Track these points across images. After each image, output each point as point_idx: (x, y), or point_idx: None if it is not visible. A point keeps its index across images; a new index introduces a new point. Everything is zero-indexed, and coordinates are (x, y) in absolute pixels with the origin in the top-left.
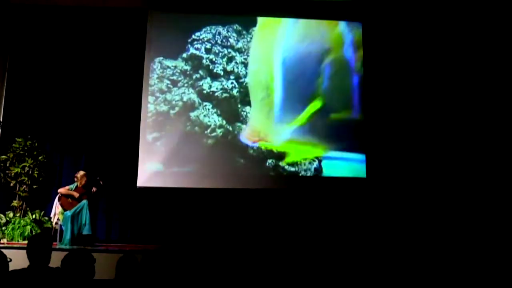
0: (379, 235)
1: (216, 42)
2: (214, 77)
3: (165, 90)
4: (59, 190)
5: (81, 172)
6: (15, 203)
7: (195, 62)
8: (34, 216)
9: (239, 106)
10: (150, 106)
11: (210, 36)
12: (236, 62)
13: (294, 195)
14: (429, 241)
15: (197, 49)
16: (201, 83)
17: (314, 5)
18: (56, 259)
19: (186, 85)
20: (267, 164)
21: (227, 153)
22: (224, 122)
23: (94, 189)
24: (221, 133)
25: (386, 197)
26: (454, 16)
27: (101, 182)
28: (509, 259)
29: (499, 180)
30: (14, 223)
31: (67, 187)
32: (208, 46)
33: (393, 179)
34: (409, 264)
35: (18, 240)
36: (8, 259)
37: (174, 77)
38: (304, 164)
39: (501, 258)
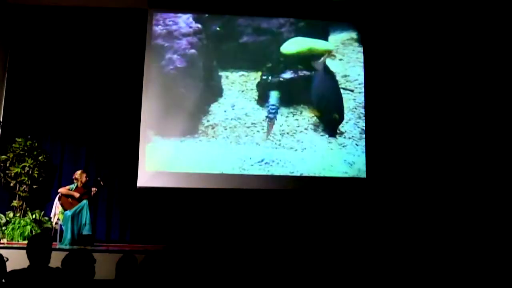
0: (379, 236)
1: (216, 42)
2: (215, 77)
3: (165, 90)
4: (59, 190)
5: (79, 171)
6: (15, 203)
7: (195, 62)
8: (34, 216)
9: (239, 101)
10: (150, 106)
11: (210, 35)
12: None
13: (295, 195)
14: (429, 241)
15: (196, 49)
16: (201, 83)
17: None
18: (56, 259)
19: (186, 85)
20: (268, 164)
21: (227, 152)
22: (224, 122)
23: (94, 189)
24: (221, 133)
25: (386, 197)
26: (451, 16)
27: (101, 183)
28: (509, 259)
29: (499, 179)
30: (14, 223)
31: (67, 187)
32: (208, 45)
33: (393, 179)
34: (410, 264)
35: (18, 240)
36: (5, 259)
37: (174, 77)
38: (313, 168)
39: (501, 258)
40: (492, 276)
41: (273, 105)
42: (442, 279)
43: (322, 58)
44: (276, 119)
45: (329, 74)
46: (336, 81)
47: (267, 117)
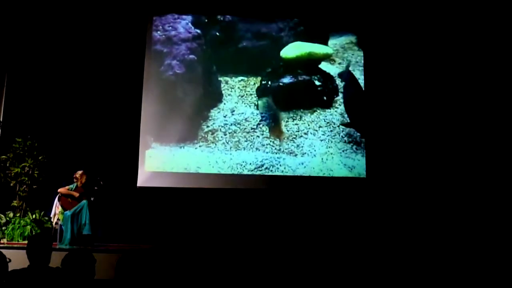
0: (379, 235)
1: (215, 47)
2: (214, 82)
3: (165, 96)
4: (59, 190)
5: (80, 171)
6: (15, 203)
7: (194, 67)
8: (34, 216)
9: (238, 107)
10: (150, 112)
11: (209, 40)
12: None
13: (294, 195)
14: (429, 241)
15: (196, 54)
16: (200, 88)
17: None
18: (56, 259)
19: (185, 91)
20: (268, 169)
21: (227, 158)
22: (224, 127)
23: (95, 188)
24: (221, 139)
25: (386, 197)
26: (450, 18)
27: (101, 182)
28: (509, 259)
29: (498, 179)
30: (14, 223)
31: (67, 187)
32: (208, 50)
33: (393, 179)
34: (409, 264)
35: (18, 240)
36: (8, 259)
37: (173, 83)
38: (313, 173)
39: (501, 258)
40: (492, 276)
41: (261, 113)
42: (442, 279)
43: (346, 67)
44: (273, 123)
45: (354, 81)
46: (360, 87)
47: (258, 125)
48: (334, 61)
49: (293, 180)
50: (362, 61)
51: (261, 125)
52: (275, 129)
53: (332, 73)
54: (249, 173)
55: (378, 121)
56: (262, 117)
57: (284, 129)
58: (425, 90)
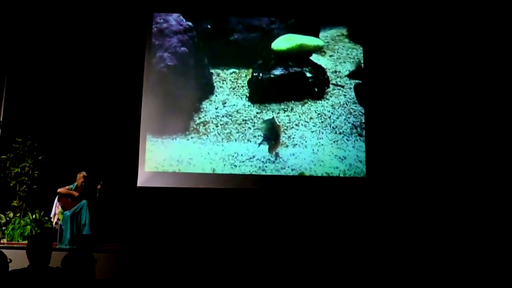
0: (379, 235)
1: (207, 40)
2: (206, 75)
3: (157, 88)
4: (58, 190)
5: (83, 172)
6: (15, 203)
7: (186, 60)
8: (34, 216)
9: (230, 99)
10: (146, 105)
11: (200, 33)
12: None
13: (294, 195)
14: (429, 241)
15: (187, 47)
16: (192, 81)
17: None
18: (56, 259)
19: (177, 83)
20: (259, 160)
21: (218, 149)
22: (216, 119)
23: (99, 186)
24: (212, 130)
25: (386, 197)
26: (444, 13)
27: (101, 182)
28: (509, 259)
29: (498, 179)
30: (14, 223)
31: (67, 187)
32: (199, 43)
33: (393, 179)
34: (409, 264)
35: (18, 240)
36: (8, 260)
37: (165, 75)
38: (304, 163)
39: (501, 258)
40: (492, 276)
41: (264, 134)
42: (442, 279)
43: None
44: (274, 142)
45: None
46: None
47: (260, 144)
48: (325, 53)
49: (294, 180)
50: (353, 54)
51: (262, 144)
52: (273, 146)
53: (323, 65)
54: (241, 164)
55: (378, 119)
56: (264, 137)
57: (279, 146)
58: (423, 86)
